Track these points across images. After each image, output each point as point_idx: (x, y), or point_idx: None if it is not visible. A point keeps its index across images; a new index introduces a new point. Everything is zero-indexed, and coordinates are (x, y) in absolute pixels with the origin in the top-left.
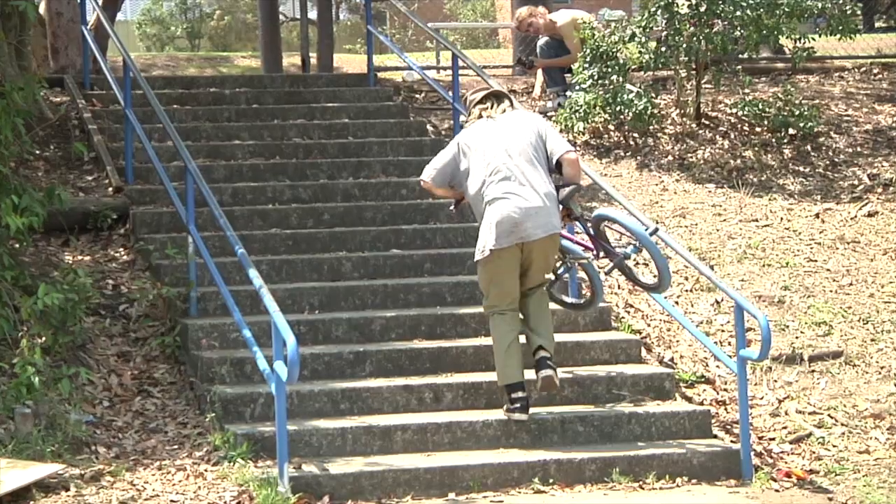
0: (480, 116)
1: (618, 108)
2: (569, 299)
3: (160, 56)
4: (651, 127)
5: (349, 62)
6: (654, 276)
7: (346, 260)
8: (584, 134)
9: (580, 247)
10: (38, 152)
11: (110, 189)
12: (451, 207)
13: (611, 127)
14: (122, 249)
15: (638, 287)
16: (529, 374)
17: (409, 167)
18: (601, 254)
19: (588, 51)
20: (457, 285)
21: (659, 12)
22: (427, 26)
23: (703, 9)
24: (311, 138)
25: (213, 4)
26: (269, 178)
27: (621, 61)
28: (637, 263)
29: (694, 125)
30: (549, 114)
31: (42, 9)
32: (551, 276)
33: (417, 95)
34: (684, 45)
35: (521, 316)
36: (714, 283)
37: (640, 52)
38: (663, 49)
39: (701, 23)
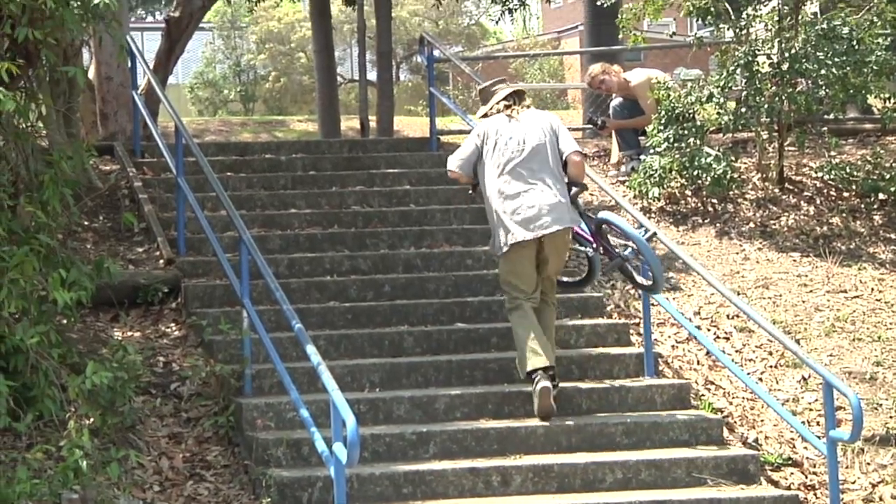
0: (500, 111)
1: (695, 173)
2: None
3: (213, 121)
4: (731, 192)
5: (410, 125)
6: (650, 279)
7: (407, 334)
8: (659, 200)
9: (584, 239)
10: (86, 223)
11: (161, 261)
12: (471, 191)
13: (688, 192)
14: (173, 324)
15: (635, 287)
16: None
17: (475, 236)
18: (601, 250)
19: (663, 112)
20: None
21: (738, 71)
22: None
23: (785, 67)
24: (371, 206)
25: (268, 66)
26: (327, 248)
27: (699, 123)
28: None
29: (777, 190)
30: (622, 179)
31: (91, 73)
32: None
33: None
34: (766, 106)
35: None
36: (800, 359)
37: (718, 113)
38: (743, 110)
39: (783, 82)
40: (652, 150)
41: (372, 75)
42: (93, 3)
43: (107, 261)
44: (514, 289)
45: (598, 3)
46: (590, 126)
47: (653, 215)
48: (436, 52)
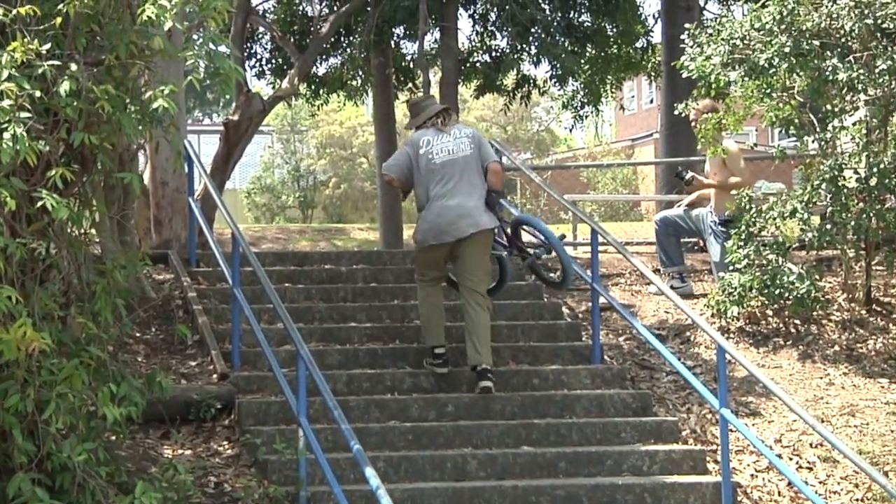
0: (433, 125)
1: (777, 292)
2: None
3: (270, 228)
4: (815, 313)
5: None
6: (559, 275)
7: (471, 457)
8: (738, 319)
9: (499, 244)
10: (138, 335)
11: (215, 376)
12: (402, 197)
13: (769, 312)
14: (226, 443)
15: (545, 284)
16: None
17: (542, 354)
18: (515, 253)
19: (743, 227)
20: (595, 488)
21: (823, 186)
22: (562, 198)
23: (873, 182)
24: None
25: (328, 172)
26: (388, 364)
27: (781, 239)
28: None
29: (864, 311)
30: (676, 288)
31: (146, 178)
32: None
33: (552, 274)
34: (852, 223)
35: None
36: (889, 493)
37: (801, 229)
38: (828, 226)
39: (871, 198)
40: (731, 268)
41: None
42: (151, 108)
43: (159, 375)
44: (425, 270)
45: (676, 112)
46: (677, 179)
47: (731, 336)
48: (504, 160)
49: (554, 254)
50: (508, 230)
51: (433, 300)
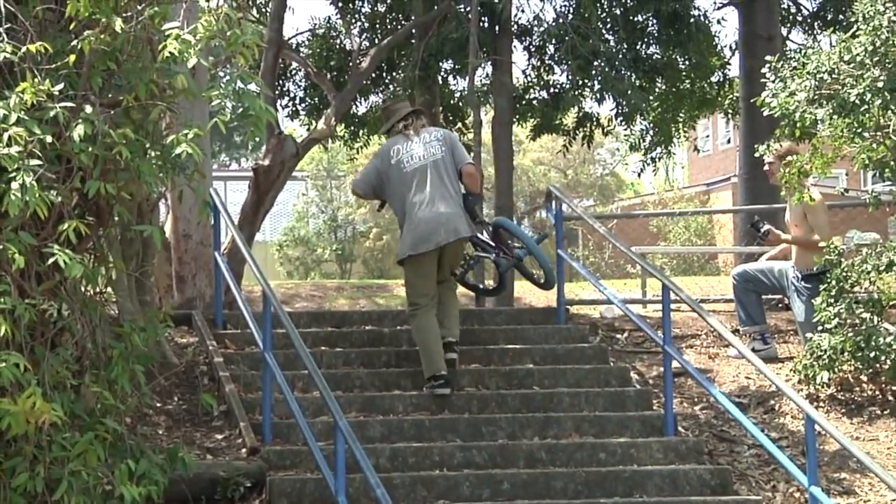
0: (399, 131)
1: (872, 355)
2: (481, 285)
3: (305, 284)
4: None
5: (534, 292)
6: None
7: None
8: (829, 386)
9: (486, 245)
10: (159, 405)
11: (243, 450)
12: (379, 208)
13: (863, 378)
14: None
15: (530, 283)
16: None
17: (609, 424)
18: (501, 253)
19: (833, 282)
20: None
21: None
22: (629, 250)
23: None
24: (488, 388)
25: (369, 221)
26: (436, 437)
27: (876, 296)
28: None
29: None
30: (758, 350)
31: (167, 230)
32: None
33: (619, 335)
34: None
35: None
36: None
37: None
38: None
39: None
40: (820, 327)
41: None
42: (174, 153)
43: (181, 449)
44: (417, 293)
45: (756, 154)
46: (751, 230)
47: (821, 404)
48: (564, 208)
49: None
50: (491, 230)
51: (430, 326)
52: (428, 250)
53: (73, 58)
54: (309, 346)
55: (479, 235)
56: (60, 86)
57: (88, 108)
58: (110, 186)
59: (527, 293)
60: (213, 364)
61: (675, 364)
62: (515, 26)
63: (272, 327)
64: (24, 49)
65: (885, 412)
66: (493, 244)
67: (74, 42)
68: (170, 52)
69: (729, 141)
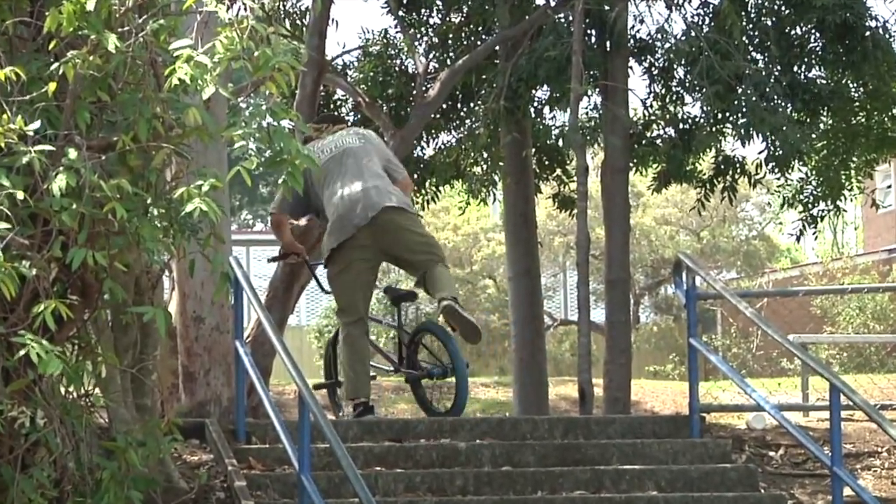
0: (318, 137)
1: None
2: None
3: None
4: None
5: (656, 394)
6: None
7: None
8: None
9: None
10: None
11: None
12: (272, 259)
13: None
14: None
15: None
16: None
17: None
18: (404, 368)
19: None
20: None
21: None
22: (785, 339)
23: None
24: None
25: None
26: None
27: None
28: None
29: None
30: None
31: (173, 312)
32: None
33: (772, 453)
34: None
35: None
36: None
37: None
38: None
39: None
40: None
41: (598, 315)
42: (183, 211)
43: None
44: (347, 300)
45: None
46: None
47: None
48: (698, 282)
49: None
50: (404, 338)
51: (359, 344)
52: (358, 225)
53: (52, 86)
54: (360, 466)
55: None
56: (36, 123)
57: (73, 153)
58: (100, 255)
59: (647, 396)
60: (234, 490)
61: (847, 491)
62: (632, 42)
63: (311, 441)
64: None
65: None
66: (394, 359)
67: (55, 66)
68: (179, 79)
69: None
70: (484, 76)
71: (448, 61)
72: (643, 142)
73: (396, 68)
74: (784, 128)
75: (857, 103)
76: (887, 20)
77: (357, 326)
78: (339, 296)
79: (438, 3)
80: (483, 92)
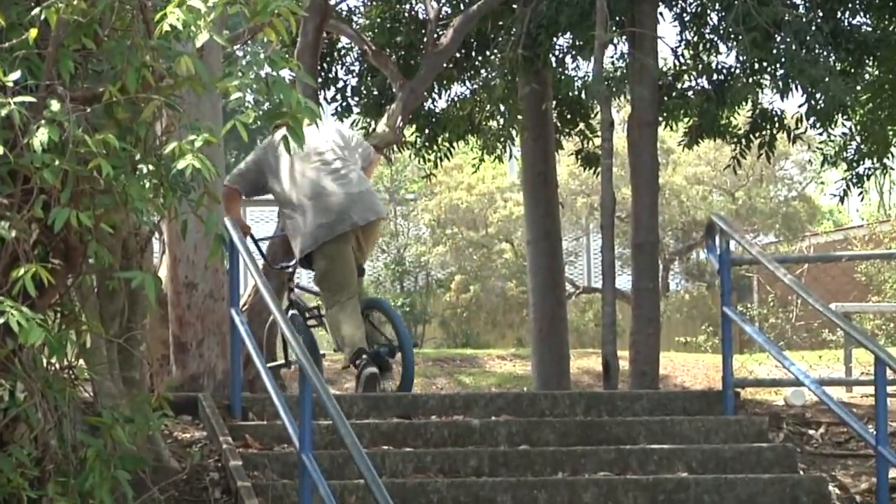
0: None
1: None
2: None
3: None
4: None
5: (687, 366)
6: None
7: None
8: None
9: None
10: None
11: None
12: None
13: None
14: None
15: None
16: None
17: None
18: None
19: None
20: None
21: None
22: (827, 307)
23: None
24: None
25: (449, 265)
26: None
27: None
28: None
29: None
30: None
31: (163, 277)
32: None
33: (811, 431)
34: None
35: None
36: None
37: None
38: None
39: None
40: None
41: (624, 282)
42: (174, 168)
43: None
44: (345, 286)
45: None
46: None
47: None
48: (733, 246)
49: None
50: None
51: (355, 315)
52: (343, 232)
53: (33, 33)
54: (366, 444)
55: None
56: (16, 73)
57: (55, 105)
58: (85, 216)
59: (677, 369)
60: (229, 469)
61: (893, 473)
62: None
63: (312, 417)
64: None
65: None
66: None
67: (36, 11)
68: (170, 25)
69: None
70: (501, 22)
71: (461, 6)
72: (673, 94)
73: (406, 14)
74: (826, 79)
75: None
76: None
77: (353, 299)
78: (333, 284)
79: None
80: (500, 39)
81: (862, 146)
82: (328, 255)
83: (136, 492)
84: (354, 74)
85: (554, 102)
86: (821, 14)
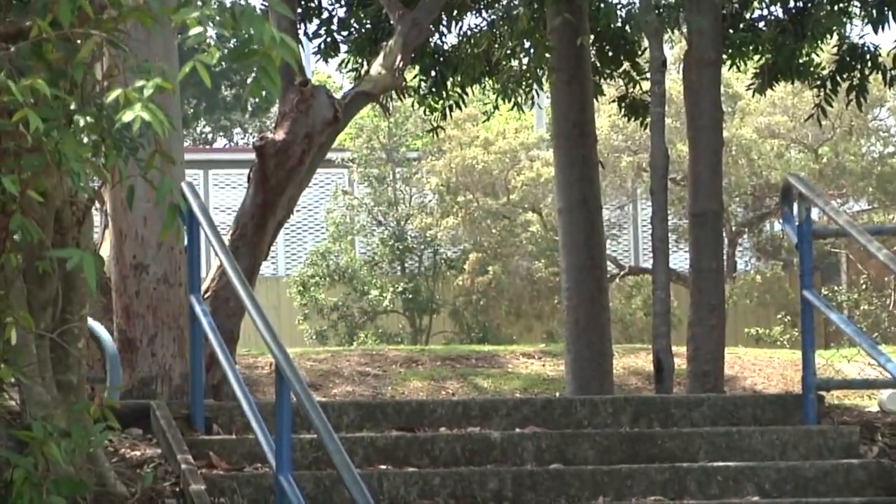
0: None
1: None
2: None
3: (349, 353)
4: None
5: (758, 365)
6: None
7: None
8: None
9: None
10: None
11: None
12: None
13: None
14: None
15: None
16: None
17: None
18: None
19: None
20: None
21: None
22: None
23: None
24: None
25: (461, 240)
26: None
27: None
28: None
29: None
30: None
31: (106, 256)
32: None
33: None
34: None
35: None
36: None
37: None
38: None
39: None
40: None
41: (679, 261)
42: (118, 121)
43: None
44: None
45: None
46: None
47: None
48: (815, 215)
49: None
50: None
51: None
52: None
53: None
54: (359, 462)
55: None
56: None
57: None
58: (8, 181)
59: (747, 368)
60: (189, 495)
61: None
62: None
63: (292, 430)
64: None
65: None
66: None
67: None
68: None
69: None
70: None
71: None
72: (741, 26)
73: None
74: None
75: None
76: None
77: None
78: None
79: None
80: None
81: None
82: None
83: None
84: (342, 3)
85: (592, 37)
86: None
